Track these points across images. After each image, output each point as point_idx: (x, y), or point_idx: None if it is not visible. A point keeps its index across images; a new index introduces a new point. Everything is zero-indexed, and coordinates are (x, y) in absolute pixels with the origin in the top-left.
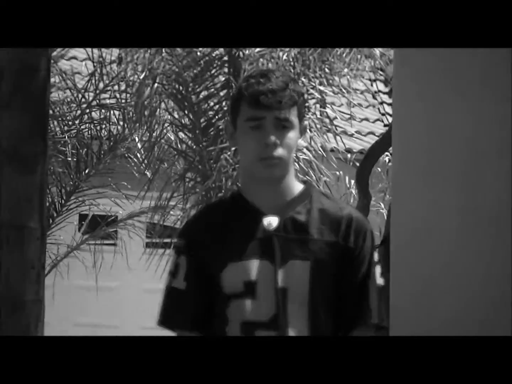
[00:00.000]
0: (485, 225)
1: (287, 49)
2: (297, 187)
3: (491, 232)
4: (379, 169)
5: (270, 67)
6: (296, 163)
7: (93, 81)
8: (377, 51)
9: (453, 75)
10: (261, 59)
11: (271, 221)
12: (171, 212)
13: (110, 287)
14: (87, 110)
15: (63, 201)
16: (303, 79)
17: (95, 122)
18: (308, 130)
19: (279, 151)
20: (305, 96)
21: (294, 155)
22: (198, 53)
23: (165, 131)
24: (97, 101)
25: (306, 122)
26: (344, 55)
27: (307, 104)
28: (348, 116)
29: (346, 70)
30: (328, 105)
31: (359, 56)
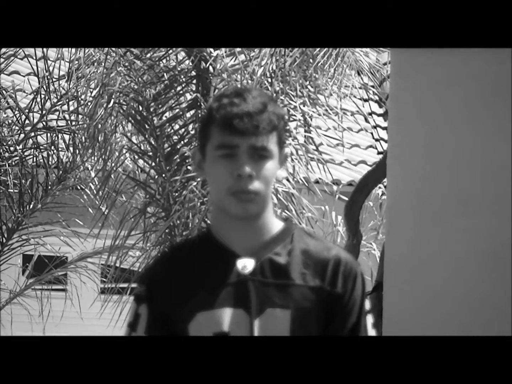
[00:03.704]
0: (487, 269)
1: (263, 62)
2: (276, 225)
3: (492, 276)
4: (371, 204)
5: (245, 85)
6: (273, 196)
7: (39, 99)
8: (365, 63)
9: (460, 93)
10: (233, 75)
11: (246, 264)
12: (129, 253)
13: None
14: (32, 134)
15: (4, 240)
16: (282, 97)
17: (41, 147)
18: (289, 158)
19: (255, 185)
20: (286, 119)
21: (273, 187)
22: (161, 65)
23: (122, 158)
24: (43, 123)
25: (287, 150)
26: (327, 66)
27: (288, 128)
28: (336, 142)
29: (334, 87)
30: (312, 129)
31: (344, 66)
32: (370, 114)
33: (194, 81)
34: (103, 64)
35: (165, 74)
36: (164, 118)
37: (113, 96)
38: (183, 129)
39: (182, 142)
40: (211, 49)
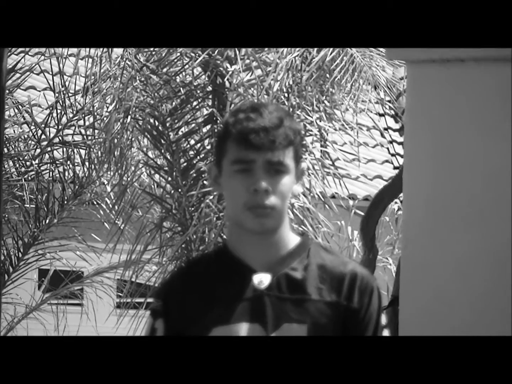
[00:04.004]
0: (506, 282)
1: (280, 77)
2: (293, 240)
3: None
4: (387, 219)
5: (261, 99)
6: (289, 211)
7: (55, 114)
8: (382, 78)
9: (476, 108)
10: (249, 90)
11: (263, 279)
12: (145, 268)
13: None
14: (48, 149)
15: (20, 254)
16: (298, 112)
17: (57, 162)
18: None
19: (272, 200)
20: (302, 133)
21: (289, 202)
22: (178, 80)
23: (138, 173)
24: (60, 138)
25: (303, 165)
26: (344, 81)
27: (304, 143)
28: (352, 157)
29: (350, 102)
30: (328, 144)
31: (361, 82)
32: (386, 129)
33: (210, 96)
34: (119, 79)
35: (181, 89)
36: (180, 133)
37: (130, 111)
38: (199, 144)
39: (198, 157)
40: (228, 64)
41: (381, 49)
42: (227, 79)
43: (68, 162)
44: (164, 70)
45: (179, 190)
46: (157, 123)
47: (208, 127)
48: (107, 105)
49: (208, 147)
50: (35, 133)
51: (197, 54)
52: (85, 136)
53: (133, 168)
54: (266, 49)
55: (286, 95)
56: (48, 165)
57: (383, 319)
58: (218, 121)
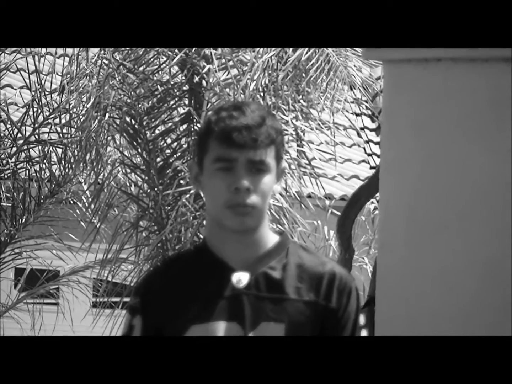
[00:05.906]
0: (481, 283)
1: (256, 76)
2: (272, 239)
3: (485, 290)
4: (363, 218)
5: (237, 98)
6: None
7: (31, 113)
8: (358, 78)
9: (453, 107)
10: (226, 89)
11: (241, 278)
12: (122, 267)
13: None
14: (24, 147)
15: None
16: (274, 112)
17: (33, 161)
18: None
19: (253, 199)
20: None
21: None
22: (154, 79)
23: (115, 172)
24: (36, 136)
25: (284, 164)
26: (319, 81)
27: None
28: (329, 156)
29: (326, 102)
30: (304, 143)
31: (337, 81)
32: (362, 129)
33: (187, 95)
34: (95, 77)
35: (158, 87)
36: (157, 131)
37: (107, 110)
38: (175, 143)
39: (174, 156)
40: (204, 63)
41: (357, 49)
42: (204, 78)
43: (45, 160)
44: (141, 68)
45: (156, 189)
46: (133, 122)
47: (185, 126)
48: (84, 103)
49: (185, 146)
50: (11, 132)
51: (174, 53)
52: (61, 135)
53: (109, 167)
54: (242, 48)
55: (262, 94)
56: (25, 163)
57: (361, 319)
58: (195, 120)
